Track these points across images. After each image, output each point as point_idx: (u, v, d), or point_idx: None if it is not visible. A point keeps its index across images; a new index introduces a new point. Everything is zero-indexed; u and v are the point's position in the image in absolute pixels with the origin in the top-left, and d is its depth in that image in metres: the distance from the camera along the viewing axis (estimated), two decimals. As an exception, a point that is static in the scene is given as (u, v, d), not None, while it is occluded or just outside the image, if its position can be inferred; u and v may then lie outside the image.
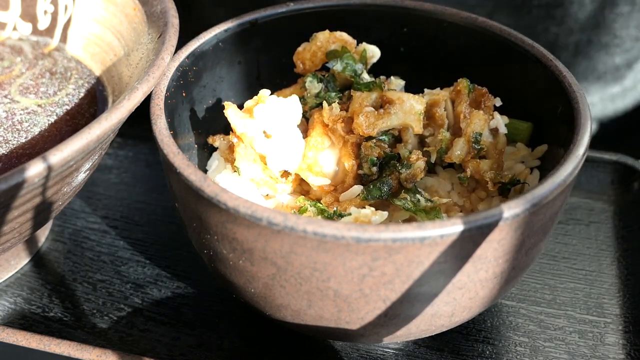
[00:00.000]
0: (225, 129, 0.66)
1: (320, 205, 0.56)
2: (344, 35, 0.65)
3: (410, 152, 0.58)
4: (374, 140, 0.58)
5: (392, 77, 0.66)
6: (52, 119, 0.66)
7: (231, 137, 0.59)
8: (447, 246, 0.45)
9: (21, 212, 0.52)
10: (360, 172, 0.58)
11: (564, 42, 0.85)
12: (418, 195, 0.56)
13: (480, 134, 0.58)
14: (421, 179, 0.58)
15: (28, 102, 0.67)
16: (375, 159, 0.58)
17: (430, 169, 0.61)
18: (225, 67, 0.67)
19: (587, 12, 0.82)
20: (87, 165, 0.57)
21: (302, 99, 0.63)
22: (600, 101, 0.91)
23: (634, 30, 0.84)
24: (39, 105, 0.67)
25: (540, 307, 0.64)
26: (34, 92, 0.69)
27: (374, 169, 0.58)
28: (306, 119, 0.63)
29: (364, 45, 0.65)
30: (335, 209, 0.56)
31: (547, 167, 0.58)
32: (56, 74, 0.72)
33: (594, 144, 0.83)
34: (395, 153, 0.59)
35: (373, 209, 0.54)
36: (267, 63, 0.71)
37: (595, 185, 0.77)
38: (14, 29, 0.78)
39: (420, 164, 0.57)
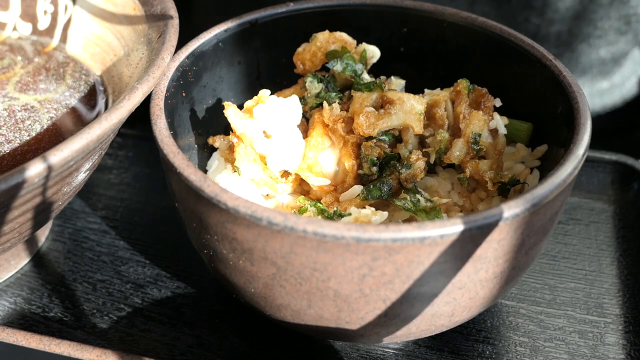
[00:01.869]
0: (226, 129, 0.66)
1: (320, 205, 0.56)
2: (343, 36, 0.65)
3: (410, 152, 0.58)
4: (374, 140, 0.58)
5: (392, 77, 0.66)
6: (53, 115, 0.66)
7: (231, 137, 0.59)
8: (447, 246, 0.45)
9: (21, 212, 0.52)
10: (360, 172, 0.58)
11: (545, 33, 0.84)
12: (418, 196, 0.56)
13: (480, 135, 0.58)
14: (421, 179, 0.58)
15: (28, 99, 0.67)
16: (376, 159, 0.58)
17: (430, 169, 0.61)
18: (225, 67, 0.67)
19: (567, 2, 0.81)
20: (87, 165, 0.57)
21: (303, 99, 0.63)
22: (588, 96, 0.90)
23: (616, 22, 0.83)
24: (39, 102, 0.67)
25: (540, 307, 0.64)
26: (34, 89, 0.69)
27: (374, 169, 0.58)
28: (306, 119, 0.63)
29: (364, 45, 0.65)
30: (335, 209, 0.56)
31: (547, 167, 0.58)
32: (55, 72, 0.72)
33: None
34: (395, 153, 0.59)
35: (373, 209, 0.54)
36: (267, 63, 0.71)
37: (595, 185, 0.77)
38: (14, 29, 0.78)
39: (420, 164, 0.57)
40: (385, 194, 0.57)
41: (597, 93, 0.90)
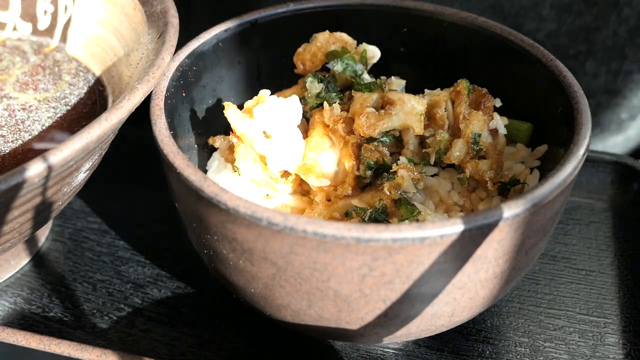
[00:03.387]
0: (226, 129, 0.66)
1: None
2: (344, 36, 0.65)
3: (397, 163, 0.57)
4: (375, 144, 0.58)
5: (392, 77, 0.66)
6: (53, 115, 0.66)
7: (231, 137, 0.59)
8: (447, 246, 0.45)
9: (21, 212, 0.52)
10: (357, 173, 0.58)
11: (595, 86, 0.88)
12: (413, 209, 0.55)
13: (479, 135, 0.58)
14: (420, 187, 0.57)
15: (27, 98, 0.67)
16: (373, 162, 0.57)
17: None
18: (225, 67, 0.67)
19: (603, 79, 0.87)
20: (87, 165, 0.57)
21: (303, 100, 0.63)
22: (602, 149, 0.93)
23: None
24: (38, 101, 0.67)
25: (540, 307, 0.64)
26: (33, 89, 0.69)
27: (369, 172, 0.58)
28: (307, 119, 0.63)
29: (364, 45, 0.65)
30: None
31: (547, 167, 0.58)
32: (54, 72, 0.72)
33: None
34: (390, 163, 0.58)
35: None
36: (267, 63, 0.71)
37: (595, 185, 0.77)
38: (14, 29, 0.78)
39: (403, 172, 0.56)
40: (382, 219, 0.56)
41: (611, 146, 0.94)
